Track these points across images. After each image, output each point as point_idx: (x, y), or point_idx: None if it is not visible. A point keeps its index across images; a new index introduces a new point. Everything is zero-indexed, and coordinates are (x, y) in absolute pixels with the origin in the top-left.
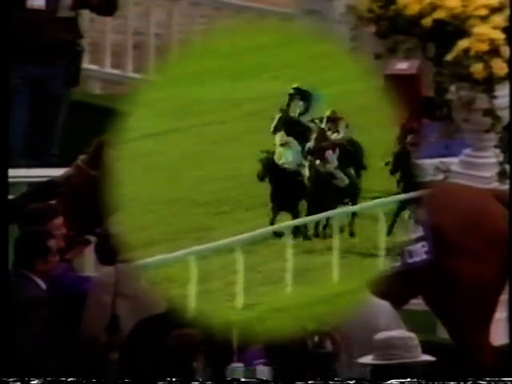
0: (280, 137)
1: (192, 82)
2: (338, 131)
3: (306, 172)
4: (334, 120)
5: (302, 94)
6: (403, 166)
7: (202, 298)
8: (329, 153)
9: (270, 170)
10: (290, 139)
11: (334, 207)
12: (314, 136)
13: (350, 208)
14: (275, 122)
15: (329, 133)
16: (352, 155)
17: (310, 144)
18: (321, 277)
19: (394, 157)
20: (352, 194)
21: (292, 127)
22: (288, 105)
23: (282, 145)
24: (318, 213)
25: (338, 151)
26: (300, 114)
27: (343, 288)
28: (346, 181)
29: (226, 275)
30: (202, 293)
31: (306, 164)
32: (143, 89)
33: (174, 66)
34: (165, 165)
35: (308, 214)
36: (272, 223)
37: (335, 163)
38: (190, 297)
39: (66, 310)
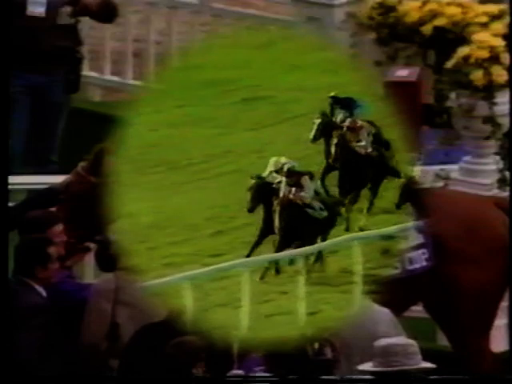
0: (274, 162)
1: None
2: (359, 140)
3: (280, 194)
4: (354, 129)
5: (342, 103)
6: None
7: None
8: (304, 179)
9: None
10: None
11: (309, 240)
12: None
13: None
14: (314, 128)
15: (352, 143)
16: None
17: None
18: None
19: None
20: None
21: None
22: (330, 112)
23: (278, 171)
24: (289, 244)
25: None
26: (341, 122)
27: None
28: (325, 213)
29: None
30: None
31: (282, 186)
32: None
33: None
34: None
35: (279, 246)
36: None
37: (311, 192)
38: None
39: (66, 317)
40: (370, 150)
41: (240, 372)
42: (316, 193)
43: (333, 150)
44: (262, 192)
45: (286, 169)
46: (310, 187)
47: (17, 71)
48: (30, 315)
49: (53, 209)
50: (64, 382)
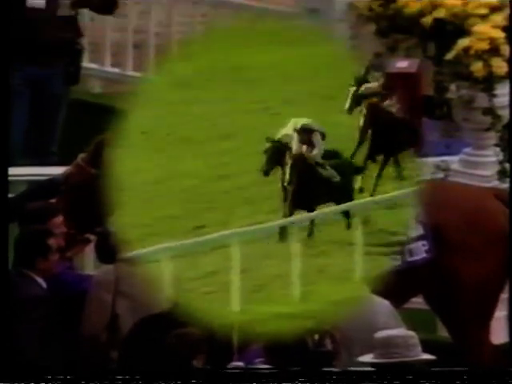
0: (293, 123)
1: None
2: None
3: (289, 161)
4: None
5: (380, 66)
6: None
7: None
8: (316, 136)
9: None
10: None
11: (319, 202)
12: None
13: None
14: (349, 97)
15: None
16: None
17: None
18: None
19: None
20: (344, 194)
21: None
22: (364, 78)
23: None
24: (303, 205)
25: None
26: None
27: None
28: (337, 177)
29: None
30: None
31: (293, 143)
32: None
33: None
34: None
35: (290, 204)
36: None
37: (322, 150)
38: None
39: (66, 309)
40: (401, 112)
41: (240, 364)
42: (330, 155)
43: (361, 120)
44: (278, 154)
45: (298, 126)
46: (321, 144)
47: (17, 63)
48: (30, 307)
49: (53, 200)
50: (64, 373)
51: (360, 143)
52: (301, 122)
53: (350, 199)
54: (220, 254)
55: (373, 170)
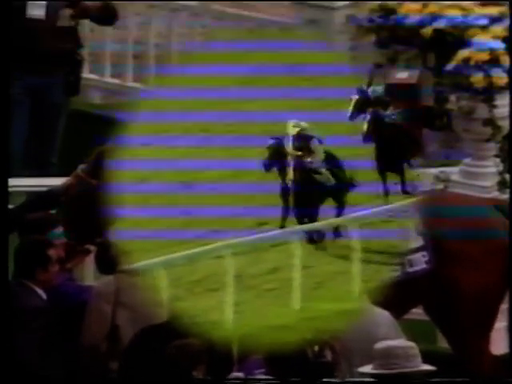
0: (293, 125)
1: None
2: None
3: (290, 163)
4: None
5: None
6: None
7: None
8: (315, 142)
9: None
10: (306, 125)
11: (316, 205)
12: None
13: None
14: (352, 105)
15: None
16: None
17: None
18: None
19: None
20: (338, 196)
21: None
22: (368, 84)
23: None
24: (302, 209)
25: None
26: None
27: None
28: (332, 181)
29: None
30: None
31: (289, 149)
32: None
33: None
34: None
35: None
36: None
37: (321, 156)
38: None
39: (66, 320)
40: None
41: (240, 374)
42: (328, 162)
43: (365, 127)
44: (277, 155)
45: (295, 132)
46: (319, 151)
47: (17, 73)
48: (30, 317)
49: (53, 211)
50: None
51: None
52: (298, 127)
53: (342, 206)
54: (281, 252)
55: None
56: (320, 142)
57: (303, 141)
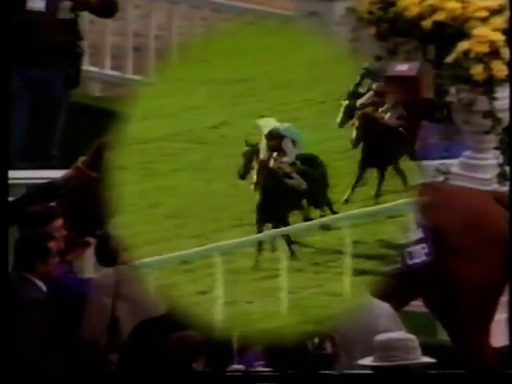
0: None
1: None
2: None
3: (255, 166)
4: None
5: (374, 74)
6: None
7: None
8: (286, 143)
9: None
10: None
11: (286, 212)
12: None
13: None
14: (341, 111)
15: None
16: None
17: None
18: None
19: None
20: (314, 200)
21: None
22: (356, 90)
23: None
24: (271, 216)
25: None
26: (368, 91)
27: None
28: (304, 185)
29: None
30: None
31: (261, 149)
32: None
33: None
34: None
35: (260, 218)
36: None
37: (293, 157)
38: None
39: (66, 312)
40: (394, 120)
41: (240, 367)
42: (306, 161)
43: (354, 133)
44: (252, 158)
45: (266, 132)
46: (291, 152)
47: (17, 66)
48: (30, 310)
49: (53, 203)
50: (65, 377)
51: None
52: (270, 125)
53: (320, 208)
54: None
55: (367, 181)
56: (293, 142)
57: (275, 140)
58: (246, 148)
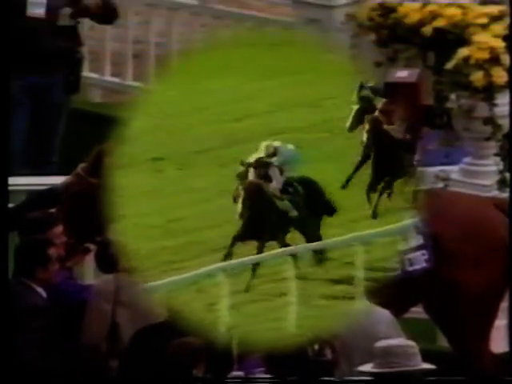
0: (266, 147)
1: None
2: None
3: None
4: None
5: (374, 90)
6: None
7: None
8: (273, 170)
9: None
10: (279, 145)
11: (274, 232)
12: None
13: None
14: (352, 116)
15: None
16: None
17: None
18: None
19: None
20: (301, 227)
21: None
22: (361, 89)
23: (270, 155)
24: (256, 235)
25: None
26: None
27: None
28: (295, 212)
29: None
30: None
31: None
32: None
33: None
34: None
35: (239, 236)
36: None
37: (280, 185)
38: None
39: (66, 319)
40: (402, 134)
41: (240, 373)
42: (289, 191)
43: (365, 136)
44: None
45: (253, 160)
46: (279, 179)
47: (17, 72)
48: (30, 316)
49: (53, 210)
50: (65, 382)
51: (363, 161)
52: (273, 145)
53: (312, 237)
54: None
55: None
56: (281, 171)
57: (262, 168)
58: (242, 168)
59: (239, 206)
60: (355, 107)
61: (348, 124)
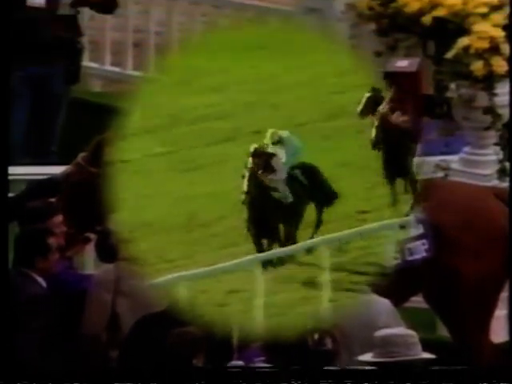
0: (271, 134)
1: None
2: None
3: (245, 180)
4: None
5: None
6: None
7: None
8: (275, 160)
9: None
10: (285, 134)
11: (274, 224)
12: None
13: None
14: (363, 103)
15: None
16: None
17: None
18: None
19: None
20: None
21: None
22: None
23: (275, 143)
24: (259, 227)
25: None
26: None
27: None
28: (290, 198)
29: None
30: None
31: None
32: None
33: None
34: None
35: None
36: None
37: (283, 175)
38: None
39: (66, 308)
40: (410, 125)
41: (240, 363)
42: (291, 179)
43: (373, 133)
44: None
45: (252, 149)
46: (281, 169)
47: (17, 62)
48: (30, 306)
49: (53, 199)
50: (65, 374)
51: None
52: (278, 133)
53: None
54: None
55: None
56: (287, 154)
57: (261, 157)
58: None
59: (242, 197)
60: (367, 94)
61: (359, 108)
